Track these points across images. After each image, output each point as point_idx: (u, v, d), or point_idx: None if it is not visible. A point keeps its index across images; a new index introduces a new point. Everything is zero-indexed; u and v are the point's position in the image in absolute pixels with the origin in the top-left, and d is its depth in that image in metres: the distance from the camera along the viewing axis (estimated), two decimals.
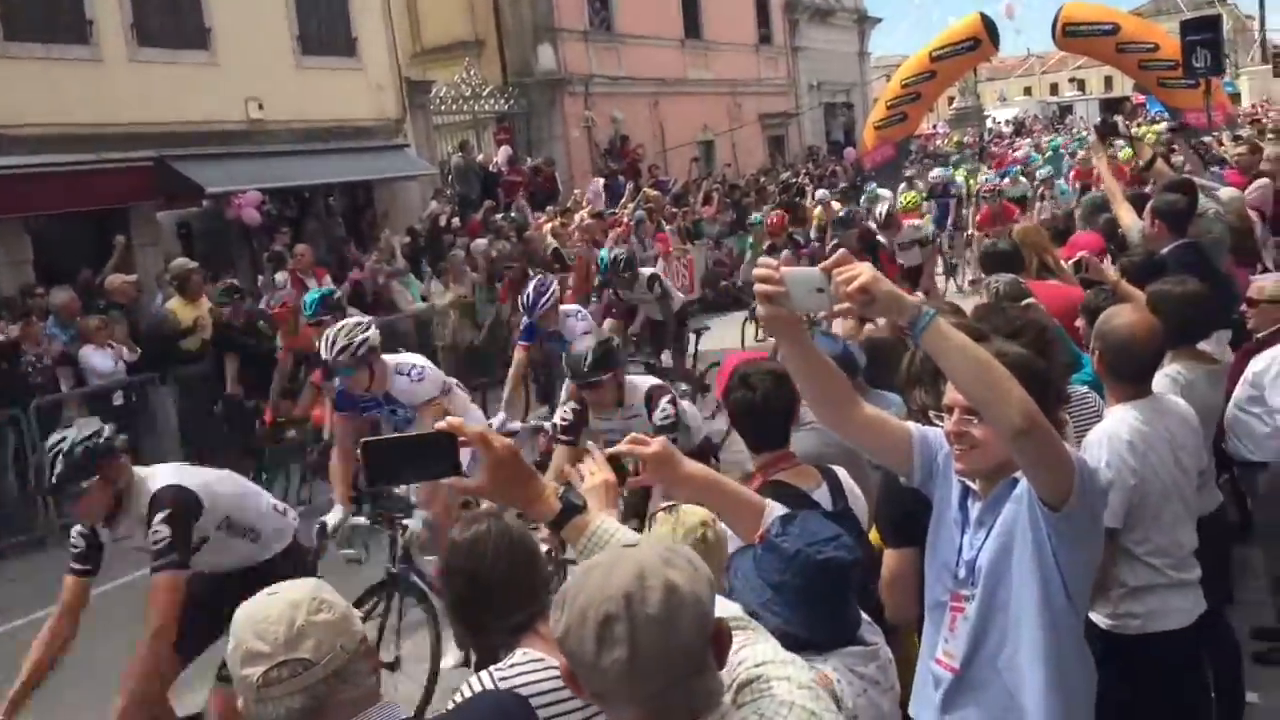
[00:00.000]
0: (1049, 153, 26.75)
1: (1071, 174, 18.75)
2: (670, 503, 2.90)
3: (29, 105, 12.22)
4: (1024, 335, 3.32)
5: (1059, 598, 2.39)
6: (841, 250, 2.31)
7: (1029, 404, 2.18)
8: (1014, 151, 26.83)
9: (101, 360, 9.89)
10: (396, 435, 2.34)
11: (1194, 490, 3.54)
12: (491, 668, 2.38)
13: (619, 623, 1.46)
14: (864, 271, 2.14)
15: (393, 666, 5.04)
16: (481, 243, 14.59)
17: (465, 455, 2.10)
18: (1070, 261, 5.38)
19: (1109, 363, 3.52)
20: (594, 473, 2.38)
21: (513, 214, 16.67)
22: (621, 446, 2.45)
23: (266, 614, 1.98)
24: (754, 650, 1.81)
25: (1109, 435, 3.39)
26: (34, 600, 6.76)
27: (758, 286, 2.19)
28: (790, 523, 2.24)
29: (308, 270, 12.30)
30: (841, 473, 3.20)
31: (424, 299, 13.52)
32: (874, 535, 3.26)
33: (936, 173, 20.23)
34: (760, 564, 2.19)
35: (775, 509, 2.49)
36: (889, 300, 2.16)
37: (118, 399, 9.96)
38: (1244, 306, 5.13)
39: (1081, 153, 20.71)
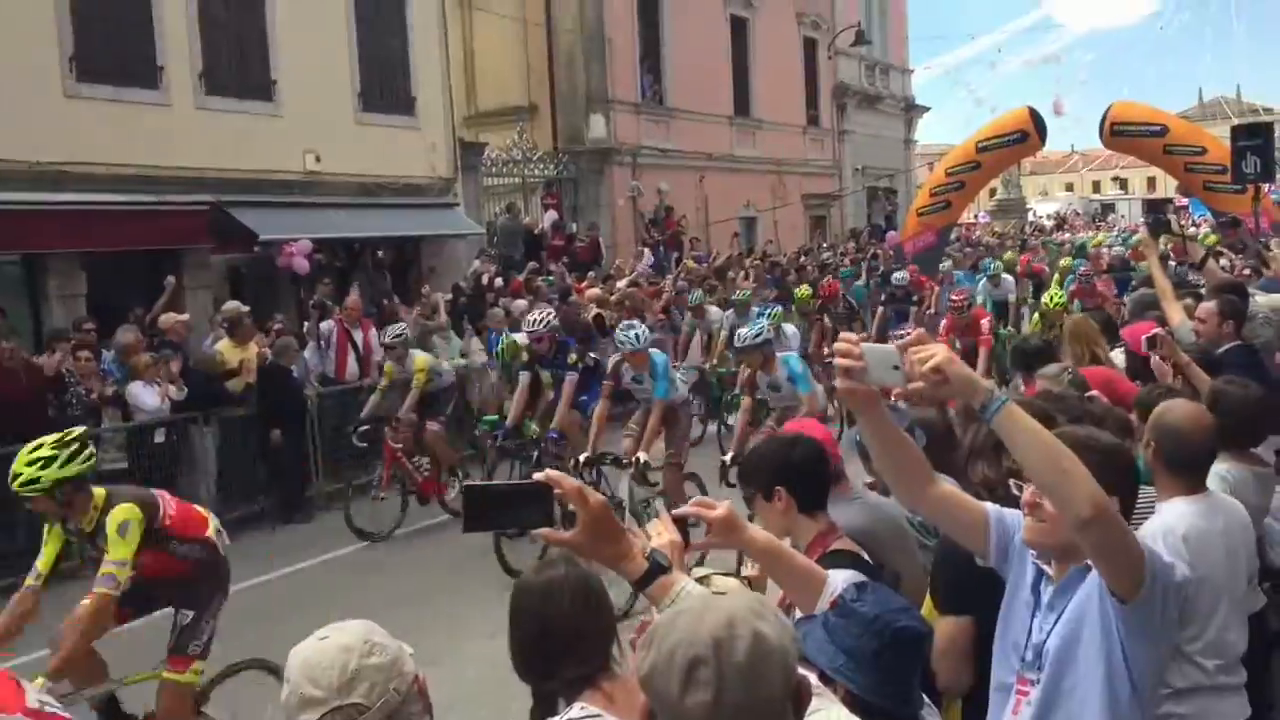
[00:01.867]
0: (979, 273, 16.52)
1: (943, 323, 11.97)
2: (706, 572, 2.87)
3: (95, 145, 12.53)
4: (1085, 423, 3.34)
5: (1124, 690, 2.37)
6: (919, 330, 2.35)
7: (1098, 493, 2.19)
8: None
9: (149, 397, 10.02)
10: (496, 483, 2.39)
11: (1244, 591, 3.51)
12: None
13: (705, 666, 1.47)
14: (939, 352, 2.18)
15: None
16: (521, 303, 14.73)
17: None
18: (1145, 338, 5.36)
19: (1164, 455, 3.51)
20: (661, 533, 2.40)
21: (550, 278, 16.84)
22: (688, 509, 2.47)
23: (319, 659, 1.96)
24: (827, 714, 1.81)
25: (1165, 530, 3.37)
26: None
27: (838, 360, 2.24)
28: (865, 590, 2.26)
29: (354, 322, 12.47)
30: None
31: (463, 356, 13.63)
32: (924, 610, 3.23)
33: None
34: (833, 629, 2.21)
35: (836, 580, 2.50)
36: (962, 381, 2.20)
37: (159, 436, 10.08)
38: None
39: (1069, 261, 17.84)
